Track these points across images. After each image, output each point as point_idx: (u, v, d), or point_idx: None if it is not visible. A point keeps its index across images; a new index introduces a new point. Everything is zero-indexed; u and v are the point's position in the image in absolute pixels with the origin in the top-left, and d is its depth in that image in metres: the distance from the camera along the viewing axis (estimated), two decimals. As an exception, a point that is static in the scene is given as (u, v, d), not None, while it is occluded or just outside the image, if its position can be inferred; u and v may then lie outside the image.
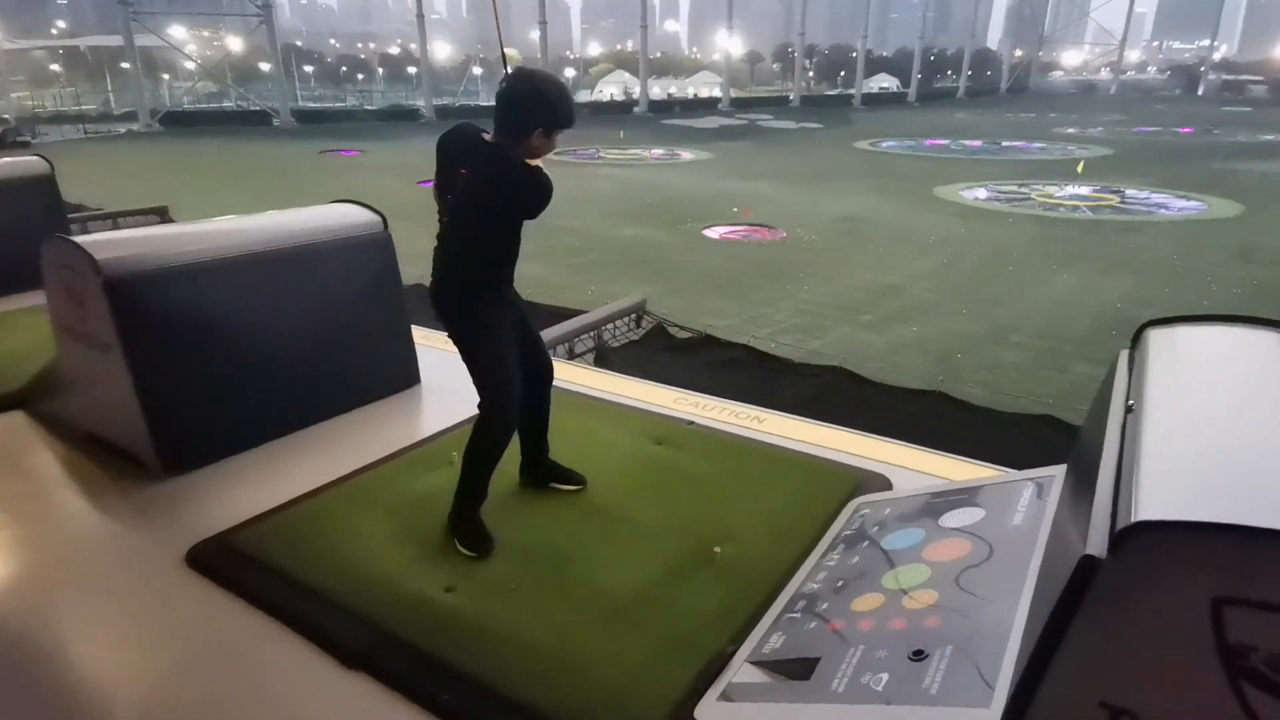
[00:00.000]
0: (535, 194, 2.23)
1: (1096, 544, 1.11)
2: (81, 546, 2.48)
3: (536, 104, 2.22)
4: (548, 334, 5.19)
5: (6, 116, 32.90)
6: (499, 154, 2.24)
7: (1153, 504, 1.10)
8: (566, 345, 5.30)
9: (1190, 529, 1.05)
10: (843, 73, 77.73)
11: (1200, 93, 66.23)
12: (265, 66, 42.29)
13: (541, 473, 2.72)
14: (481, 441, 2.42)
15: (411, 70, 62.71)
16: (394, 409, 3.46)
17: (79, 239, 2.78)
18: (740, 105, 49.46)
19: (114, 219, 10.32)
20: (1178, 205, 14.12)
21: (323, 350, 3.24)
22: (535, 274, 7.07)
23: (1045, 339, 6.85)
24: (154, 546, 2.43)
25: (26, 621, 2.13)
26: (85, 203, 11.98)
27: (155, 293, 2.72)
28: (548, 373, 2.63)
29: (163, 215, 10.98)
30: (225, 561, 2.30)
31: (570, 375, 3.91)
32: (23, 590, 2.28)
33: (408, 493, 2.69)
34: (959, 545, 1.92)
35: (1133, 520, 1.07)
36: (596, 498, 2.69)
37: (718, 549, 2.35)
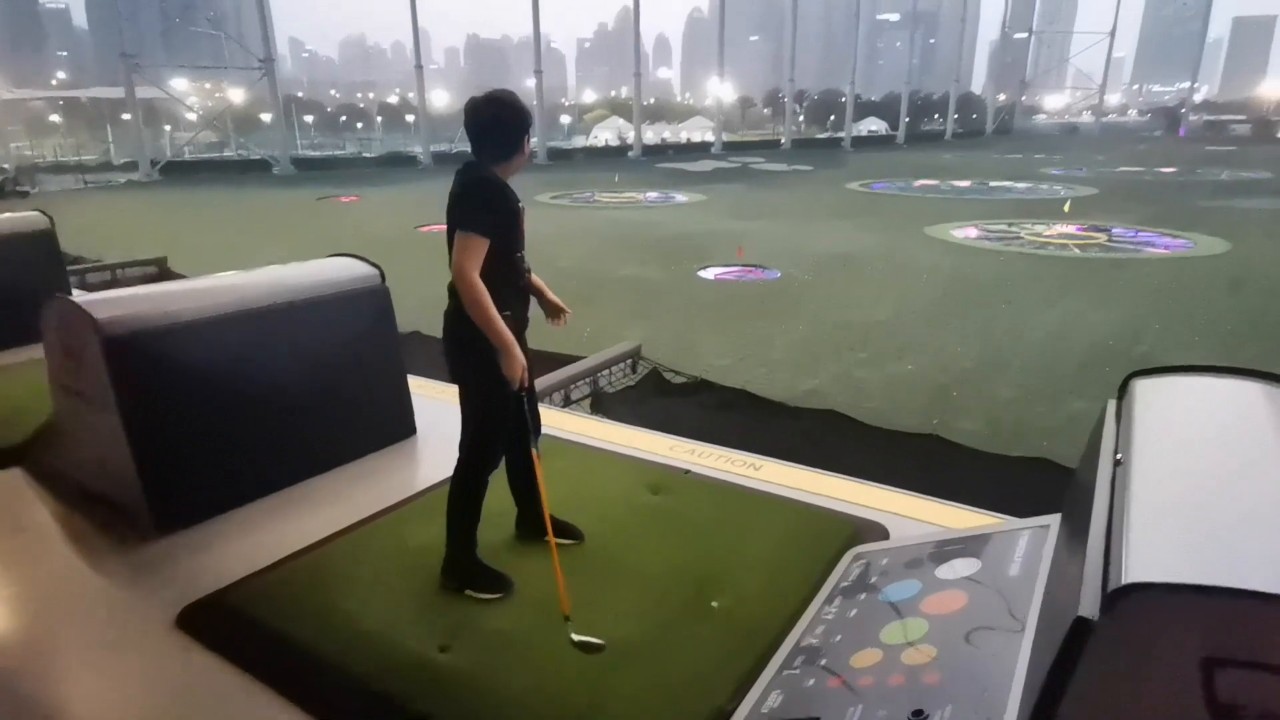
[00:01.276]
0: (487, 196, 2.32)
1: (1089, 605, 1.12)
2: (73, 607, 2.46)
3: (518, 118, 2.36)
4: (544, 381, 5.21)
5: (5, 166, 33.30)
6: (470, 168, 2.37)
7: (1143, 565, 1.11)
8: (563, 392, 5.32)
9: (1180, 591, 1.06)
10: (832, 116, 79.33)
11: (1182, 133, 67.62)
12: (266, 117, 43.03)
13: (540, 526, 2.70)
14: (458, 487, 2.45)
15: (410, 118, 63.86)
16: (390, 461, 3.46)
17: (78, 298, 2.82)
18: (732, 148, 50.35)
19: (113, 270, 10.38)
20: (1164, 242, 14.31)
21: (319, 404, 3.25)
22: (530, 314, 7.09)
23: (1039, 375, 6.88)
24: (146, 607, 2.41)
25: (15, 683, 2.10)
26: (84, 253, 12.06)
27: (153, 351, 2.74)
28: (538, 426, 2.63)
29: (161, 266, 11.05)
30: (217, 624, 2.28)
31: (566, 423, 3.92)
32: (12, 652, 2.25)
33: (404, 547, 2.67)
34: (956, 598, 1.91)
35: (1124, 582, 1.08)
36: (593, 549, 2.68)
37: (715, 603, 2.34)
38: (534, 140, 2.50)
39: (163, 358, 2.77)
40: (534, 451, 2.53)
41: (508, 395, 2.37)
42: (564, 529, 2.70)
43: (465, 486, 2.46)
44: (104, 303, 2.76)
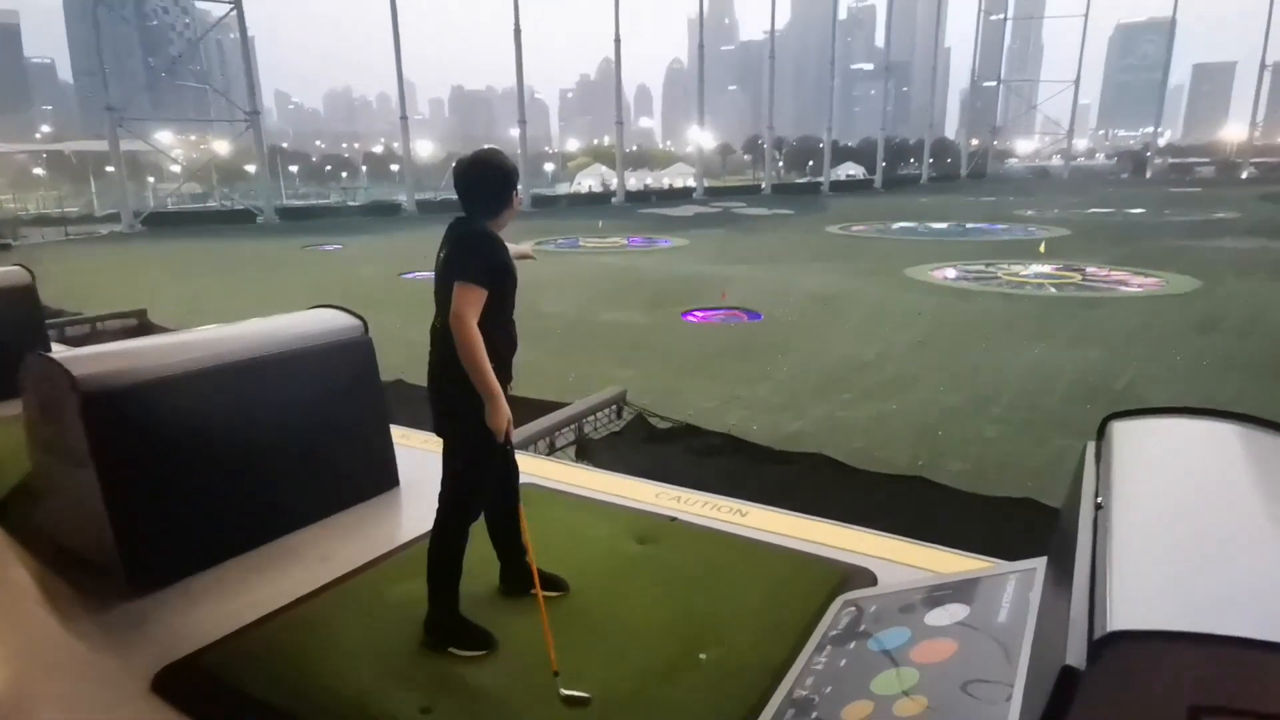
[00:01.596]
0: (488, 250, 2.38)
1: (1076, 654, 1.12)
2: (46, 669, 2.38)
3: (505, 176, 2.44)
4: (529, 429, 5.19)
5: (-11, 219, 33.20)
6: (462, 222, 2.44)
7: (1128, 612, 1.11)
8: (547, 439, 5.29)
9: (1166, 638, 1.06)
10: (811, 162, 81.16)
11: (1149, 175, 69.65)
12: (251, 167, 43.37)
13: (524, 579, 2.65)
14: (437, 540, 2.44)
15: (394, 167, 64.58)
16: (372, 513, 3.41)
17: (56, 354, 2.79)
18: (714, 194, 51.17)
19: (93, 323, 10.28)
20: (1137, 281, 14.61)
21: (301, 457, 3.22)
22: (516, 360, 7.08)
23: (1022, 412, 6.94)
24: (120, 670, 2.34)
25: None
26: (65, 304, 11.96)
27: (132, 408, 2.71)
28: (515, 482, 2.64)
29: (142, 318, 10.95)
30: (191, 687, 2.22)
31: (552, 472, 3.89)
32: (-22, 722, 2.17)
33: (386, 603, 2.62)
34: (946, 646, 1.90)
35: (1109, 630, 1.08)
36: (579, 600, 2.64)
37: (703, 655, 2.30)
38: (520, 190, 2.56)
39: (141, 414, 2.74)
40: (520, 505, 2.53)
41: (493, 447, 2.35)
42: (549, 580, 2.66)
43: (445, 539, 2.43)
44: (82, 359, 2.74)
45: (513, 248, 2.65)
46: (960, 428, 6.53)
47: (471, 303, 2.26)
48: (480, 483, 2.45)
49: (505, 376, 2.46)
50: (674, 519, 3.24)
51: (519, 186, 2.51)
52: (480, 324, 2.30)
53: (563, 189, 62.53)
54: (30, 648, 2.50)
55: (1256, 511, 1.41)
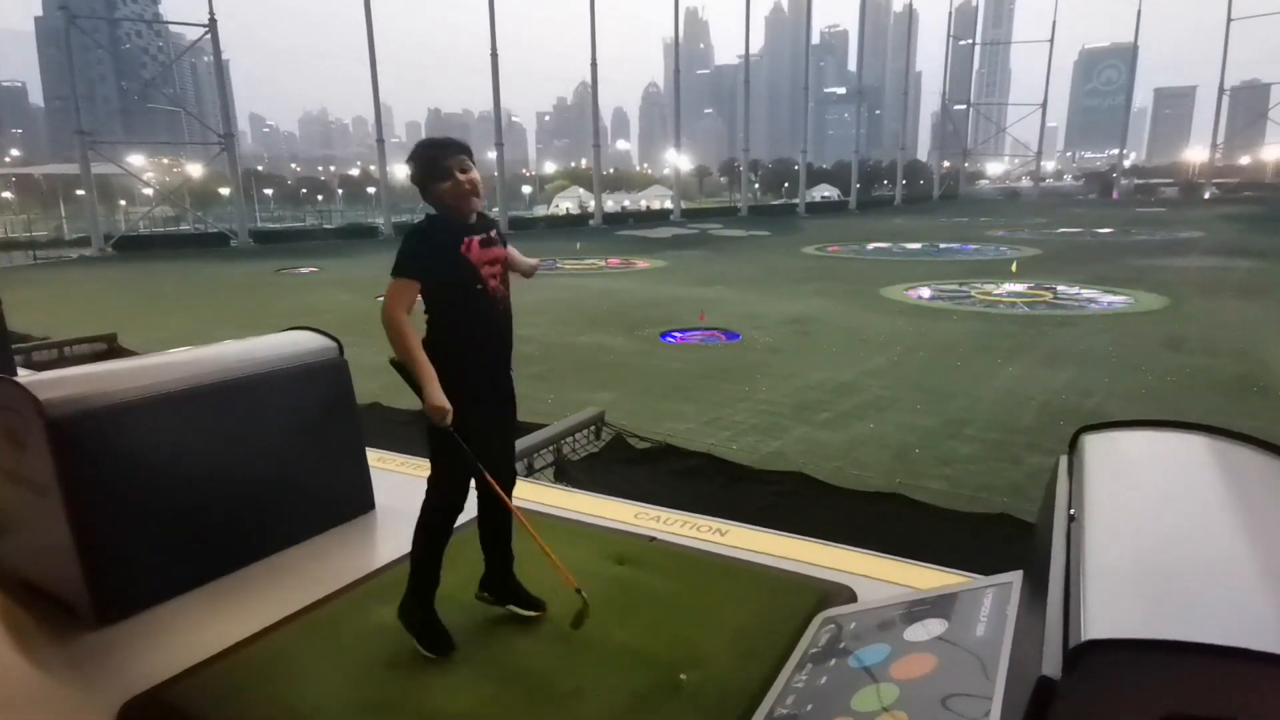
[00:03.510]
0: (414, 241, 2.36)
1: (1051, 664, 1.12)
2: (8, 705, 2.30)
3: (424, 152, 2.42)
4: (507, 450, 5.14)
5: (-47, 244, 32.60)
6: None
7: (1102, 621, 1.12)
8: (525, 461, 5.25)
9: (1140, 646, 1.07)
10: (786, 184, 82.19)
11: (1115, 196, 71.46)
12: (225, 190, 43.01)
13: (503, 591, 2.66)
14: (419, 525, 2.45)
15: (370, 190, 64.39)
16: (346, 537, 3.35)
17: (21, 378, 2.73)
18: (691, 215, 51.63)
19: (60, 348, 10.07)
20: (1106, 300, 14.92)
21: (274, 481, 3.16)
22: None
23: (997, 430, 7.02)
24: (85, 704, 2.26)
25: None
26: (31, 329, 11.72)
27: (100, 433, 2.65)
28: (509, 487, 2.59)
29: (111, 342, 10.76)
30: (159, 720, 2.15)
31: (529, 493, 3.86)
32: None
33: (360, 628, 2.57)
34: (926, 660, 1.90)
35: (1083, 639, 1.09)
36: (558, 624, 2.61)
37: (684, 675, 2.28)
38: (461, 161, 2.39)
39: (109, 439, 2.68)
40: (510, 503, 2.51)
41: (446, 436, 2.32)
42: (525, 599, 2.65)
43: (419, 533, 2.45)
44: (48, 383, 2.68)
45: (515, 254, 2.60)
46: (936, 447, 6.59)
47: (394, 294, 2.29)
48: (441, 476, 2.43)
49: (483, 382, 2.41)
50: (653, 539, 3.22)
51: (454, 159, 2.36)
52: (438, 321, 2.35)
53: (540, 211, 62.74)
54: None
55: (1225, 520, 1.43)
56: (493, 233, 2.47)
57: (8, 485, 2.86)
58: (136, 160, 44.25)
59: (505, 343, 2.48)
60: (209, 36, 35.07)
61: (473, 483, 2.50)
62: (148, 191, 42.91)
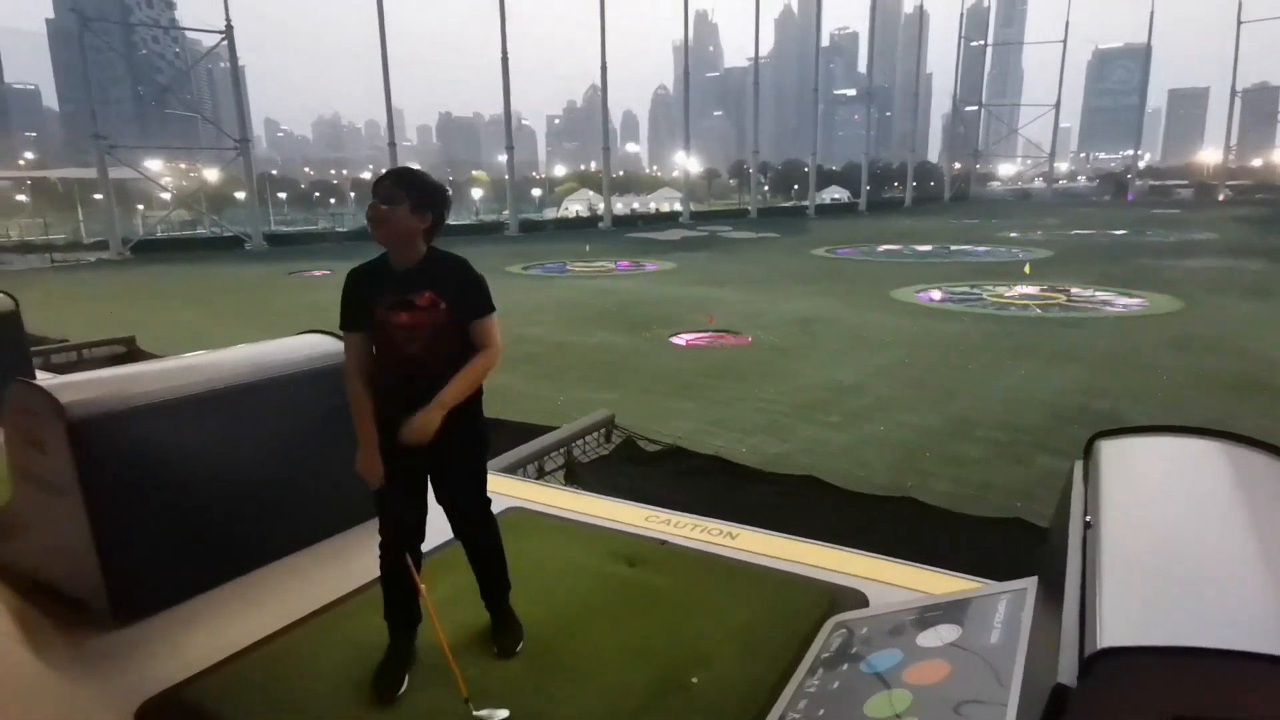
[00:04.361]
0: (344, 291, 2.36)
1: (1067, 671, 1.12)
2: (26, 705, 2.33)
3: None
4: (517, 453, 5.16)
5: (-39, 245, 32.96)
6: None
7: (1118, 629, 1.12)
8: (536, 464, 5.27)
9: (1156, 653, 1.06)
10: (795, 186, 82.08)
11: (1130, 197, 70.92)
12: (240, 194, 43.34)
13: (491, 612, 2.58)
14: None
15: (382, 193, 64.43)
16: (357, 541, 3.37)
17: (41, 380, 2.76)
18: (700, 218, 51.58)
19: (79, 350, 10.16)
20: (1121, 302, 14.80)
21: (286, 484, 3.18)
22: (501, 383, 7.08)
23: (1007, 432, 6.97)
24: (101, 705, 2.29)
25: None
26: (49, 331, 11.84)
27: (119, 434, 2.68)
28: (463, 518, 2.49)
29: (130, 345, 10.84)
30: (175, 720, 2.17)
31: (540, 495, 3.88)
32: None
33: (370, 631, 2.58)
34: (939, 667, 1.89)
35: (1099, 647, 1.09)
36: (568, 625, 2.62)
37: (695, 679, 2.28)
38: (376, 205, 2.24)
39: (128, 441, 2.71)
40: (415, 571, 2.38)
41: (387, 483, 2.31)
42: (500, 636, 2.51)
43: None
44: (68, 386, 2.71)
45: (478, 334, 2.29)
46: (945, 449, 6.56)
47: (346, 351, 2.34)
48: (379, 511, 2.38)
49: (388, 440, 2.27)
50: (664, 542, 3.22)
51: (372, 201, 2.24)
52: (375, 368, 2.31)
53: (550, 214, 62.87)
54: (7, 682, 2.44)
55: (1243, 527, 1.42)
56: (425, 295, 2.22)
57: (27, 487, 2.89)
58: (153, 165, 44.65)
59: (408, 400, 2.26)
60: (225, 42, 35.36)
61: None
62: (165, 195, 43.29)
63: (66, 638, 2.63)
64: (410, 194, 2.21)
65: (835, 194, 74.31)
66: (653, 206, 63.42)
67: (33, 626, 2.72)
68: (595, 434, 6.19)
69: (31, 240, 39.36)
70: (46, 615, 2.77)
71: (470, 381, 2.26)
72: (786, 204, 71.68)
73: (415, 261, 2.25)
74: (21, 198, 57.27)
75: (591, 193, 68.02)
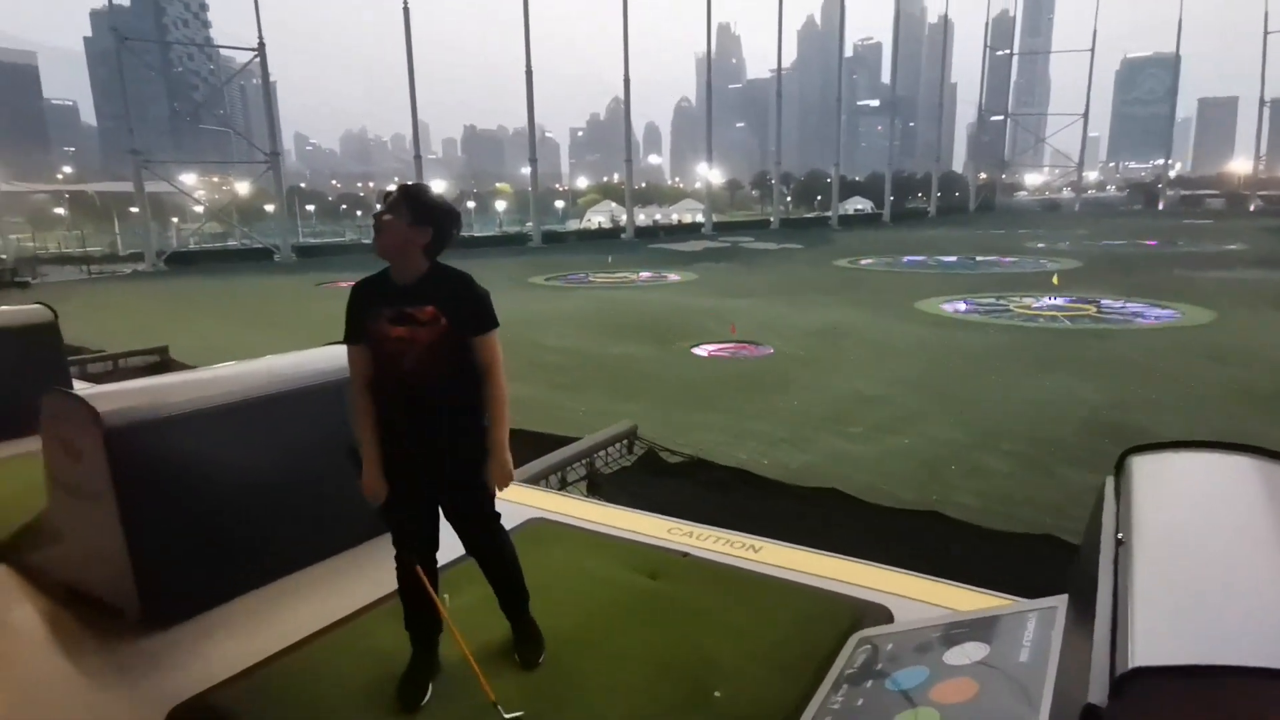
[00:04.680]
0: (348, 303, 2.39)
1: (1098, 691, 1.10)
2: (58, 710, 2.38)
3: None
4: (540, 463, 5.19)
5: (4, 257, 33.89)
6: None
7: (1149, 648, 1.10)
8: (558, 474, 5.29)
9: (1188, 673, 1.04)
10: (819, 196, 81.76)
11: (1160, 207, 69.75)
12: (270, 207, 44.16)
13: (511, 622, 2.55)
14: None
15: (407, 205, 65.31)
16: (382, 550, 3.38)
17: (78, 390, 2.83)
18: (722, 229, 51.55)
19: (115, 360, 10.39)
20: (1153, 313, 14.53)
21: (312, 493, 3.22)
22: (524, 394, 7.10)
23: (1035, 446, 6.86)
24: (132, 709, 2.33)
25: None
26: (87, 340, 12.12)
27: (153, 442, 2.74)
28: (470, 531, 2.45)
29: (163, 355, 11.07)
30: (205, 726, 2.20)
31: (563, 507, 3.89)
32: (-12, 763, 2.16)
33: (394, 641, 2.60)
34: (966, 685, 1.86)
35: (1130, 666, 1.07)
36: (590, 637, 2.62)
37: (717, 693, 2.27)
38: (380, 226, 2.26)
39: (161, 449, 2.76)
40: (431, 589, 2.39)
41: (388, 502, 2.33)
42: (521, 647, 2.51)
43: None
44: (105, 395, 2.78)
45: (481, 354, 2.27)
46: (971, 462, 6.47)
47: (349, 365, 2.36)
48: (388, 526, 2.41)
49: (403, 442, 2.29)
50: (686, 554, 3.21)
51: (377, 219, 2.25)
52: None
53: (573, 225, 63.26)
54: (40, 689, 2.49)
55: (1276, 545, 1.39)
56: (427, 309, 2.22)
57: (63, 494, 2.96)
58: (188, 179, 45.68)
59: (415, 415, 2.28)
60: (258, 59, 36.14)
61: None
62: (199, 209, 44.23)
63: (99, 643, 2.68)
64: (410, 206, 2.22)
65: (859, 204, 73.92)
66: (675, 218, 63.57)
67: (67, 631, 2.78)
68: (617, 445, 6.20)
69: (69, 252, 40.38)
70: (80, 620, 2.83)
71: (505, 412, 2.31)
72: (809, 215, 71.45)
73: (417, 276, 2.26)
74: (60, 211, 58.82)
75: (614, 204, 68.36)
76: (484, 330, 2.27)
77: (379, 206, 2.27)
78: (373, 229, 2.25)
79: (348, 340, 2.33)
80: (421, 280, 2.26)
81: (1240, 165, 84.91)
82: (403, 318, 2.22)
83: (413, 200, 2.23)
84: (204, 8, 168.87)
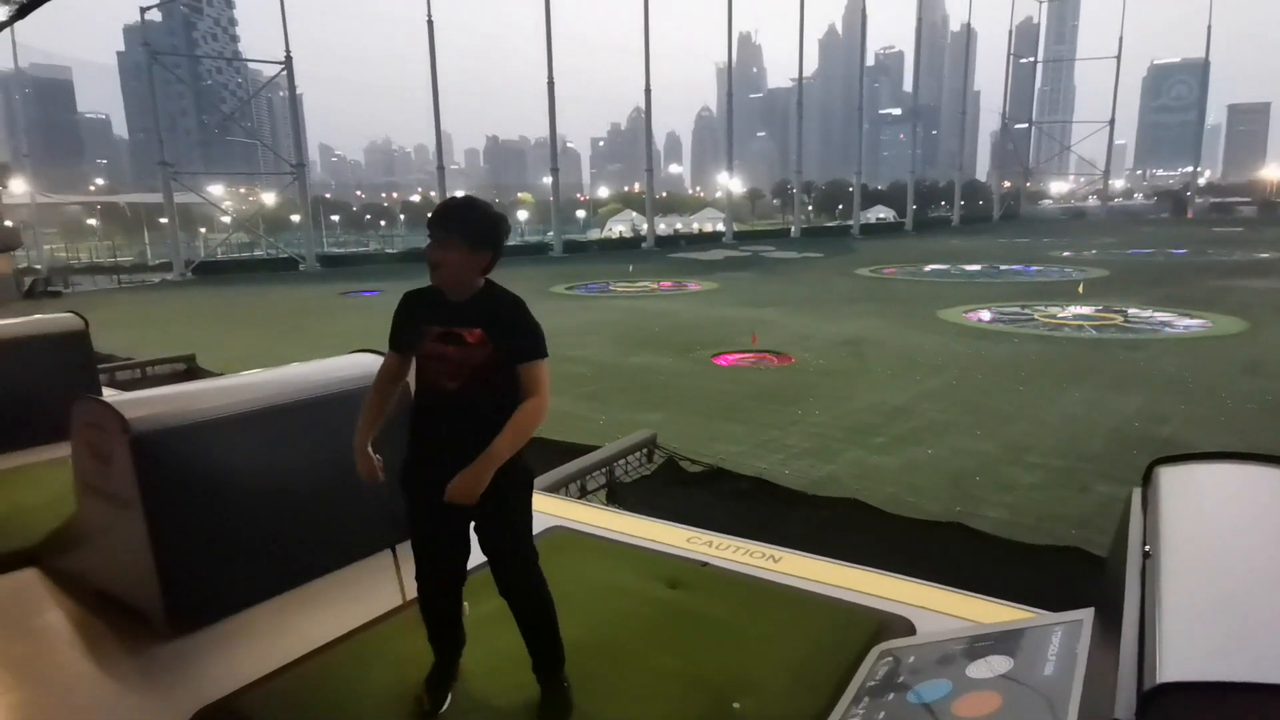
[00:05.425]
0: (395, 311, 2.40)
1: (1124, 706, 1.08)
2: (85, 712, 2.41)
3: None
4: (559, 472, 5.20)
5: (38, 267, 34.74)
6: None
7: (1176, 663, 1.08)
8: (578, 483, 5.29)
9: (1215, 689, 1.02)
10: (840, 205, 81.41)
11: (1189, 215, 68.59)
12: (295, 217, 44.87)
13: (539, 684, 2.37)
14: None
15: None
16: (406, 557, 3.42)
17: (107, 397, 2.89)
18: (743, 238, 51.50)
19: (142, 368, 10.60)
20: (1182, 323, 14.28)
21: (335, 500, 3.25)
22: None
23: (1062, 458, 6.76)
24: (158, 712, 2.36)
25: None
26: (116, 348, 12.38)
27: (180, 449, 2.78)
28: (500, 569, 2.31)
29: (190, 362, 11.27)
30: (228, 730, 2.22)
31: (582, 515, 3.89)
32: (17, 763, 2.20)
33: (417, 648, 2.61)
34: (990, 699, 1.83)
35: (1158, 682, 1.05)
36: (608, 646, 2.61)
37: (737, 704, 2.25)
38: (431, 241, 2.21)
39: (189, 456, 2.81)
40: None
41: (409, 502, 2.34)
42: (545, 696, 2.32)
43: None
44: (133, 403, 2.83)
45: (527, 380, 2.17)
46: (996, 474, 6.39)
47: (384, 361, 2.44)
48: (409, 535, 2.39)
49: (424, 449, 2.26)
50: (706, 564, 3.20)
51: (429, 244, 2.18)
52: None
53: (594, 234, 63.49)
54: (67, 691, 2.53)
55: (1312, 560, 1.36)
56: (476, 331, 2.14)
57: (92, 500, 3.02)
58: (215, 189, 46.60)
59: (446, 421, 2.21)
60: (285, 72, 36.82)
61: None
62: (226, 219, 45.06)
63: (125, 647, 2.72)
64: (465, 233, 2.12)
65: (881, 213, 73.47)
66: (696, 227, 63.55)
67: (94, 635, 2.82)
68: (637, 454, 6.19)
69: (100, 262, 41.26)
70: (107, 625, 2.87)
71: (520, 432, 2.14)
72: (831, 224, 71.15)
73: (470, 295, 2.19)
74: (92, 222, 60.15)
75: (635, 214, 68.53)
76: (533, 359, 2.17)
77: (430, 237, 2.14)
78: (428, 262, 2.15)
79: (391, 347, 2.35)
80: (473, 300, 2.19)
81: (1272, 172, 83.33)
82: (451, 337, 2.16)
83: (470, 225, 2.14)
84: (233, 22, 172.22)
